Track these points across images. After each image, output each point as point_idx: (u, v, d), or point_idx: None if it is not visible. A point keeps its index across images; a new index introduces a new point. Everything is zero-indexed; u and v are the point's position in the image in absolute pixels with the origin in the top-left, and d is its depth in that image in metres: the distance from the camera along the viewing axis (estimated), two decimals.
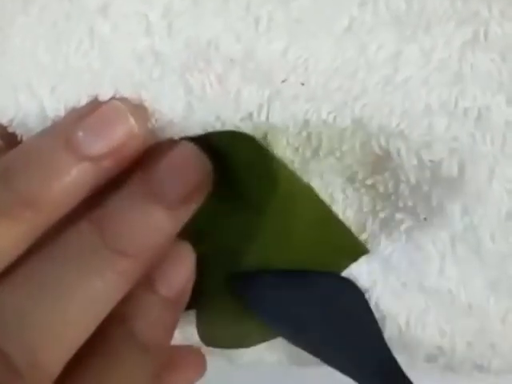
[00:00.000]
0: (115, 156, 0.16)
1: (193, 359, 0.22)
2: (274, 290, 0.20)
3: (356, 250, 0.19)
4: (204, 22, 0.16)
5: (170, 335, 0.18)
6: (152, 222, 0.16)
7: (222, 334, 0.21)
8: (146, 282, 0.17)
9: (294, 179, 0.17)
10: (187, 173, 0.16)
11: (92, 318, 0.15)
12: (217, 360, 0.22)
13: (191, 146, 0.17)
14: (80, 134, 0.16)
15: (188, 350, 0.22)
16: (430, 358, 0.20)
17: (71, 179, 0.15)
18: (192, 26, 0.16)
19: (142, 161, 0.17)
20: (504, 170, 0.17)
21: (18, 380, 0.14)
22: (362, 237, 0.19)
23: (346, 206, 0.19)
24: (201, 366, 0.22)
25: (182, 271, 0.18)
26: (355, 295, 0.20)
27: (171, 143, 0.17)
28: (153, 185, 0.16)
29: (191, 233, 0.17)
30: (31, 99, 0.17)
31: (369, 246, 0.20)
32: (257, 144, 0.16)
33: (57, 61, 0.17)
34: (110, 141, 0.16)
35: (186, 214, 0.17)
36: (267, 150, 0.16)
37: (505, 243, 0.17)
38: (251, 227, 0.18)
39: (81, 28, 0.16)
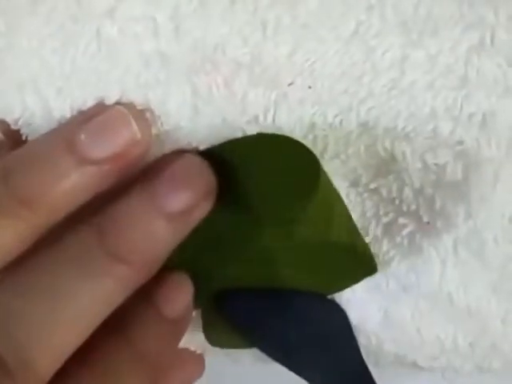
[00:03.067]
0: (117, 161, 0.16)
1: (191, 360, 0.22)
2: (257, 309, 0.20)
3: (370, 267, 0.19)
4: (211, 25, 0.16)
5: (171, 351, 0.18)
6: (152, 231, 0.16)
7: (225, 335, 0.21)
8: (147, 299, 0.17)
9: (332, 188, 0.17)
10: (190, 185, 0.16)
11: (86, 323, 0.15)
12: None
13: (196, 158, 0.17)
14: (82, 136, 0.16)
15: (187, 352, 0.22)
16: (433, 357, 0.20)
17: (71, 182, 0.15)
18: (199, 29, 0.16)
19: (147, 169, 0.17)
20: (509, 174, 0.17)
21: (9, 380, 0.14)
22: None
23: (349, 210, 0.19)
24: (199, 366, 0.22)
25: (182, 296, 0.18)
26: (337, 314, 0.20)
27: (177, 154, 0.17)
28: (155, 194, 0.16)
29: (193, 243, 0.17)
30: (37, 99, 0.17)
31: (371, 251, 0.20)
32: (305, 148, 0.16)
33: (64, 62, 0.17)
34: (112, 146, 0.16)
35: (187, 226, 0.17)
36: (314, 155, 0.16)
37: (508, 245, 0.17)
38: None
39: (88, 30, 0.16)
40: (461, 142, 0.17)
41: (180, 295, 0.18)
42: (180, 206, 0.16)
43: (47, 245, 0.16)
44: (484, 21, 0.16)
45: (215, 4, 0.16)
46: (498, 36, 0.16)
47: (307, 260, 0.18)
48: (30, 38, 0.16)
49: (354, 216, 0.19)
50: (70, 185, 0.15)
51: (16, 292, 0.15)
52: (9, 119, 0.17)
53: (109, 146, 0.16)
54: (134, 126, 0.16)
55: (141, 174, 0.17)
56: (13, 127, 0.17)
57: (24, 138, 0.17)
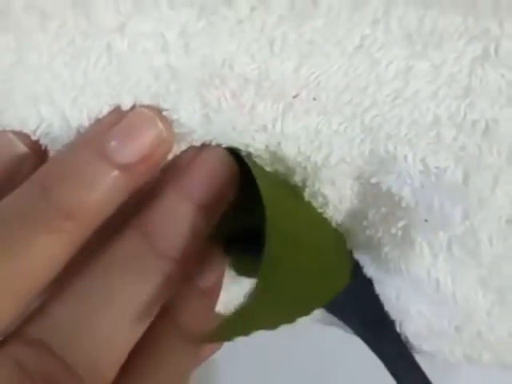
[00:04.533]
0: (147, 162, 0.17)
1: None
2: None
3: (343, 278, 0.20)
4: (219, 43, 0.16)
5: (208, 323, 0.19)
6: (192, 224, 0.17)
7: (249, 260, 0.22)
8: (185, 277, 0.18)
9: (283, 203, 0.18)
10: (220, 174, 0.17)
11: (145, 322, 0.16)
12: None
13: (219, 148, 0.18)
14: (112, 143, 0.16)
15: (217, 317, 0.23)
16: (422, 336, 0.22)
17: (107, 188, 0.16)
18: (208, 46, 0.16)
19: (172, 166, 0.18)
20: (508, 179, 0.17)
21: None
22: (363, 224, 0.20)
23: (352, 198, 0.20)
24: None
25: (216, 269, 0.19)
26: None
27: (200, 147, 0.18)
28: (189, 188, 0.17)
29: None
30: (53, 110, 0.18)
31: (367, 233, 0.21)
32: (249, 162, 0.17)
33: (75, 74, 0.17)
34: (142, 148, 0.16)
35: (217, 214, 0.18)
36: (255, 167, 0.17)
37: (502, 246, 0.18)
38: None
39: (98, 45, 0.17)
40: (463, 148, 0.17)
41: (214, 268, 0.19)
42: (213, 196, 0.17)
43: (95, 251, 0.17)
44: (489, 33, 0.16)
45: (223, 22, 0.16)
46: (503, 47, 0.16)
47: None
48: (40, 54, 0.17)
49: (356, 200, 0.20)
50: (107, 191, 0.16)
51: (73, 301, 0.16)
52: (26, 131, 0.18)
53: (138, 148, 0.16)
54: (160, 125, 0.17)
55: (162, 172, 0.18)
56: (31, 137, 0.18)
57: (43, 148, 0.18)
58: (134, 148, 0.16)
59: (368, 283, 0.22)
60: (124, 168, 0.16)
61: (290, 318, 0.16)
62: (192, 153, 0.18)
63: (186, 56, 0.16)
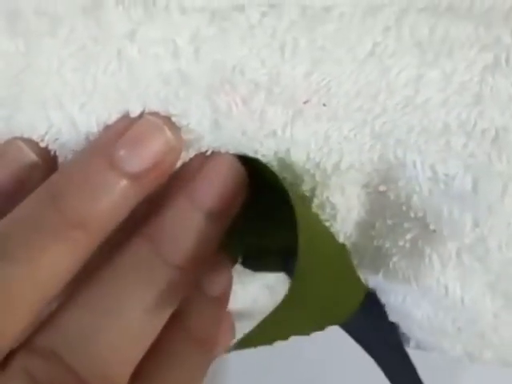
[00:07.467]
0: (156, 170, 0.17)
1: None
2: None
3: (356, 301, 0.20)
4: (230, 48, 0.16)
5: (219, 329, 0.19)
6: (200, 232, 0.17)
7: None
8: (194, 285, 0.18)
9: (313, 222, 0.18)
10: (228, 181, 0.17)
11: (153, 330, 0.16)
12: None
13: (228, 155, 0.18)
14: (121, 153, 0.16)
15: (226, 320, 0.23)
16: (422, 330, 0.22)
17: (117, 198, 0.16)
18: (218, 52, 0.16)
19: (182, 172, 0.18)
20: None
21: None
22: (371, 234, 0.20)
23: (359, 208, 0.20)
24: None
25: (224, 277, 0.19)
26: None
27: (210, 154, 0.18)
28: (197, 196, 0.17)
29: None
30: (62, 115, 0.17)
31: (374, 243, 0.20)
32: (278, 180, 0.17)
33: (85, 80, 0.17)
34: (151, 156, 0.16)
35: (226, 221, 0.18)
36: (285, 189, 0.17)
37: (511, 252, 0.18)
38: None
39: (108, 50, 0.16)
40: (472, 156, 0.17)
41: (223, 276, 0.20)
42: (221, 204, 0.17)
43: (104, 260, 0.17)
44: (500, 42, 0.16)
45: (234, 28, 0.16)
46: None
47: None
48: (49, 59, 0.17)
49: (363, 211, 0.20)
50: (117, 201, 0.16)
51: (82, 311, 0.16)
52: (35, 136, 0.18)
53: (147, 157, 0.16)
54: (168, 133, 0.17)
55: (171, 179, 0.18)
56: (40, 144, 0.18)
57: (52, 153, 0.18)
58: (142, 157, 0.16)
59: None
60: (133, 177, 0.16)
61: (318, 326, 0.16)
62: (200, 160, 0.18)
63: (197, 61, 0.16)
